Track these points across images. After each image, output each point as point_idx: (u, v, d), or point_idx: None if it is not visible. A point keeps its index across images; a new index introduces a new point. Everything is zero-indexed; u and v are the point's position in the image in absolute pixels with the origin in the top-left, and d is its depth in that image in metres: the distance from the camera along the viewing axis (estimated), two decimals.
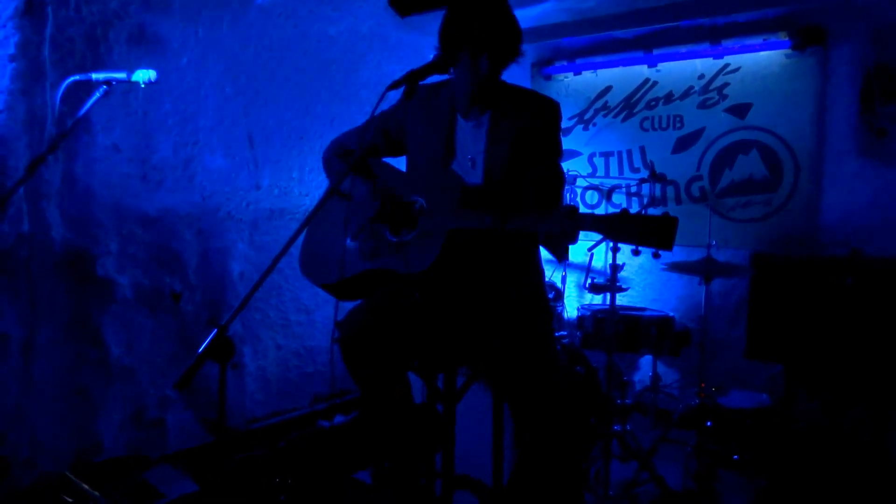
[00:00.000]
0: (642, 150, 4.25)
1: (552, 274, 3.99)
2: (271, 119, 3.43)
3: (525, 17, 4.12)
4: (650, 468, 2.97)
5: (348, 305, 2.10)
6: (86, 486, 2.39)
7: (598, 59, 4.38)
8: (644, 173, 4.09)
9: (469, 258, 2.00)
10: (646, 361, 4.07)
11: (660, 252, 2.74)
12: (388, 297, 2.06)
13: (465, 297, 2.08)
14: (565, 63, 4.51)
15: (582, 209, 2.08)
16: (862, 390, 3.01)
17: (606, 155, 4.40)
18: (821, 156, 3.70)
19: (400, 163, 2.25)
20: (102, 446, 2.80)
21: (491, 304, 2.05)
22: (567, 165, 4.29)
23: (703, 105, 4.03)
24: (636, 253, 2.45)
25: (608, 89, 4.36)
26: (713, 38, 3.95)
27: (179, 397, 3.05)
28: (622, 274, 3.45)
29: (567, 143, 4.47)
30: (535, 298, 2.10)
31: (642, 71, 4.22)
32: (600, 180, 4.34)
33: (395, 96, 1.92)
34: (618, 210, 1.75)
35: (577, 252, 4.27)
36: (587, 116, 4.45)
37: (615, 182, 4.23)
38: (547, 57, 4.59)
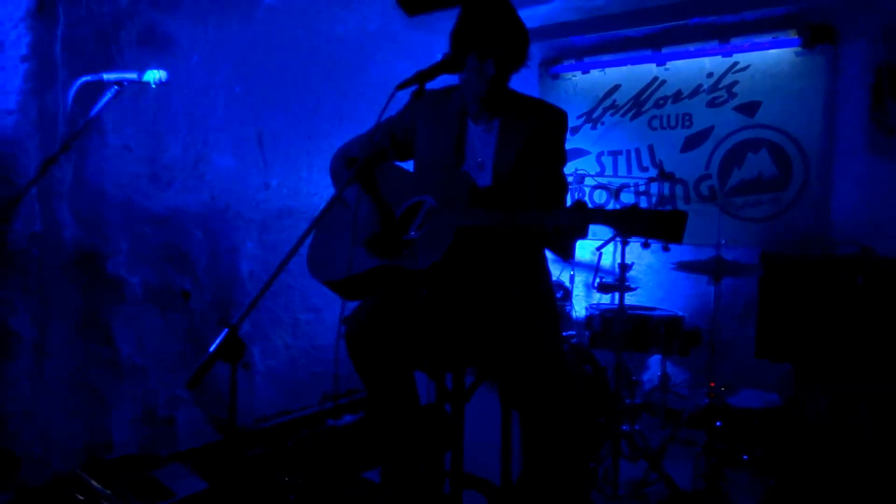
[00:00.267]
0: (651, 149, 4.24)
1: (560, 273, 3.98)
2: (280, 118, 3.44)
3: (533, 15, 4.13)
4: (659, 468, 2.96)
5: (355, 305, 2.11)
6: (97, 484, 2.41)
7: (606, 57, 4.36)
8: (652, 172, 4.07)
9: (477, 257, 2.01)
10: (655, 361, 4.06)
11: (669, 245, 2.73)
12: (394, 294, 2.08)
13: (472, 295, 2.09)
14: (573, 62, 4.50)
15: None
16: (872, 390, 2.99)
17: (615, 154, 4.39)
18: (831, 154, 3.68)
19: (408, 166, 2.27)
20: (113, 444, 2.82)
21: (498, 302, 2.05)
22: (575, 164, 4.29)
23: (711, 103, 4.02)
24: (646, 245, 2.44)
25: (616, 88, 4.35)
26: (722, 36, 3.93)
27: (189, 396, 3.06)
28: (631, 273, 3.44)
29: (575, 142, 4.46)
30: (542, 298, 2.11)
31: (651, 69, 4.21)
32: (608, 179, 4.33)
33: (403, 96, 1.93)
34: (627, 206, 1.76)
35: (585, 251, 4.27)
36: (595, 115, 4.44)
37: (623, 181, 4.22)
38: (555, 56, 4.58)
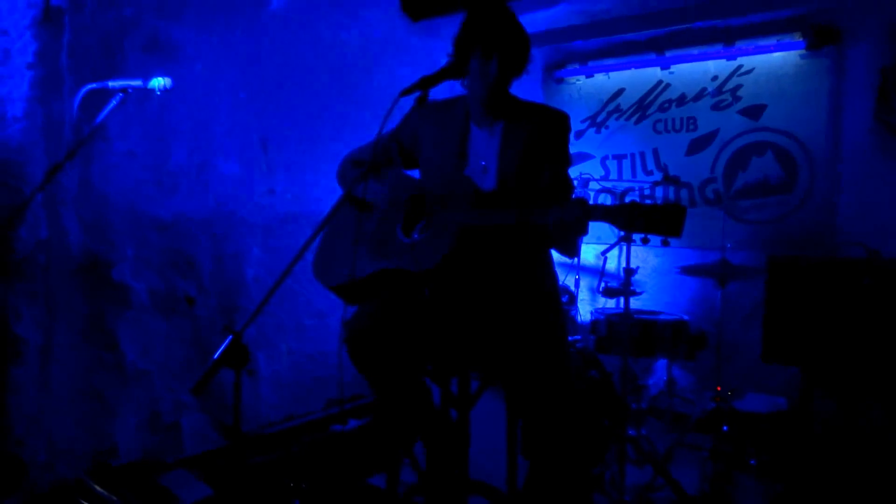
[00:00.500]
0: (655, 153, 4.24)
1: (565, 278, 3.97)
2: (285, 124, 3.45)
3: (537, 20, 4.14)
4: (665, 473, 2.95)
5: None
6: (103, 491, 2.41)
7: (611, 61, 4.36)
8: (657, 176, 4.07)
9: (480, 258, 2.02)
10: (661, 365, 4.04)
11: (669, 240, 2.73)
12: (395, 295, 2.09)
13: (475, 297, 2.09)
14: (577, 66, 4.50)
15: None
16: (881, 392, 2.97)
17: (619, 157, 4.38)
18: (837, 156, 3.66)
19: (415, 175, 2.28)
20: (118, 450, 2.82)
21: (502, 305, 2.05)
22: (580, 168, 4.28)
23: (716, 107, 4.01)
24: (645, 241, 2.45)
25: (621, 92, 4.35)
26: (726, 39, 3.93)
27: (195, 401, 3.06)
28: (636, 277, 3.43)
29: (580, 145, 4.46)
30: (547, 301, 2.11)
31: (655, 73, 4.20)
32: (613, 183, 4.32)
33: (407, 102, 1.93)
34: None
35: (590, 256, 4.26)
36: (600, 119, 4.44)
37: (628, 185, 4.21)
38: (559, 60, 4.58)
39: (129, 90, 2.07)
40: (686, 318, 3.38)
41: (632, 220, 1.72)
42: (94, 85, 2.10)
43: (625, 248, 3.14)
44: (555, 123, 2.11)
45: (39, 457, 2.58)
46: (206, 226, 3.13)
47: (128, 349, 2.85)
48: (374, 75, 3.83)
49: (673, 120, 4.16)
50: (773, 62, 3.82)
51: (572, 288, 3.86)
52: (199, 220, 3.10)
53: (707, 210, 4.01)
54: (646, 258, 4.22)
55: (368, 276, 2.10)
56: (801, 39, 3.69)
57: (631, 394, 3.24)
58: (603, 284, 3.53)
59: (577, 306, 3.80)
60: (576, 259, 3.91)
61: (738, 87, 3.92)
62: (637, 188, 4.17)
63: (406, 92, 1.87)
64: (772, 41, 3.79)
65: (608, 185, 4.32)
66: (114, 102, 2.06)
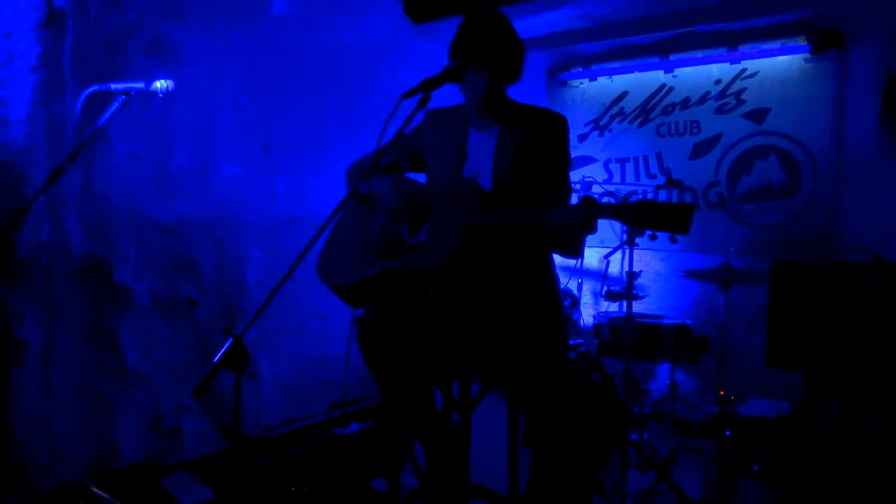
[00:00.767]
0: (659, 157, 4.22)
1: (568, 281, 3.96)
2: (287, 126, 3.45)
3: (541, 23, 4.13)
4: (668, 477, 2.93)
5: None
6: (103, 493, 2.40)
7: (614, 64, 4.36)
8: (660, 179, 4.05)
9: (484, 258, 2.03)
10: (663, 370, 4.03)
11: (677, 237, 2.72)
12: (404, 294, 2.10)
13: (477, 298, 2.10)
14: (581, 69, 4.49)
15: None
16: (885, 398, 2.95)
17: (622, 161, 4.37)
18: (840, 160, 3.65)
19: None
20: (120, 453, 2.82)
21: (503, 306, 2.06)
22: (582, 172, 4.27)
23: (720, 110, 4.00)
24: (653, 238, 2.46)
25: (624, 95, 4.34)
26: (730, 42, 3.92)
27: (196, 404, 3.06)
28: (639, 281, 3.42)
29: (582, 149, 4.45)
30: (547, 302, 2.11)
31: (658, 76, 4.19)
32: (616, 187, 4.31)
33: (410, 104, 1.93)
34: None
35: (593, 259, 4.25)
36: (603, 122, 4.43)
37: (631, 188, 4.20)
38: (562, 63, 4.58)
39: (132, 93, 2.07)
40: (689, 322, 3.36)
41: (640, 217, 1.72)
42: (96, 87, 2.10)
43: (628, 251, 3.13)
44: (552, 126, 2.12)
45: (40, 459, 2.58)
46: (208, 228, 3.13)
47: (129, 351, 2.85)
48: (377, 78, 3.83)
49: (676, 123, 4.15)
50: (777, 66, 3.80)
51: (575, 291, 3.85)
52: (201, 223, 3.10)
53: (710, 214, 4.00)
54: (649, 262, 4.21)
55: (372, 276, 2.10)
56: (805, 43, 3.68)
57: (633, 398, 3.22)
58: (606, 288, 3.51)
59: (579, 310, 3.79)
60: (579, 262, 3.90)
61: (742, 90, 3.91)
62: (640, 192, 4.16)
63: (408, 94, 1.87)
64: (776, 45, 3.78)
65: (611, 188, 4.31)
66: (116, 105, 2.06)
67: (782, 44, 3.76)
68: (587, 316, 4.01)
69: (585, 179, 4.01)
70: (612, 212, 1.78)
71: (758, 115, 3.88)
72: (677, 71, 4.13)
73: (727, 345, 3.37)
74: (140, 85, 2.06)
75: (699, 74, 4.05)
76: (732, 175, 3.96)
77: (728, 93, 3.96)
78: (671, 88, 4.16)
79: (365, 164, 2.34)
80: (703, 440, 3.36)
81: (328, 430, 3.35)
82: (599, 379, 3.16)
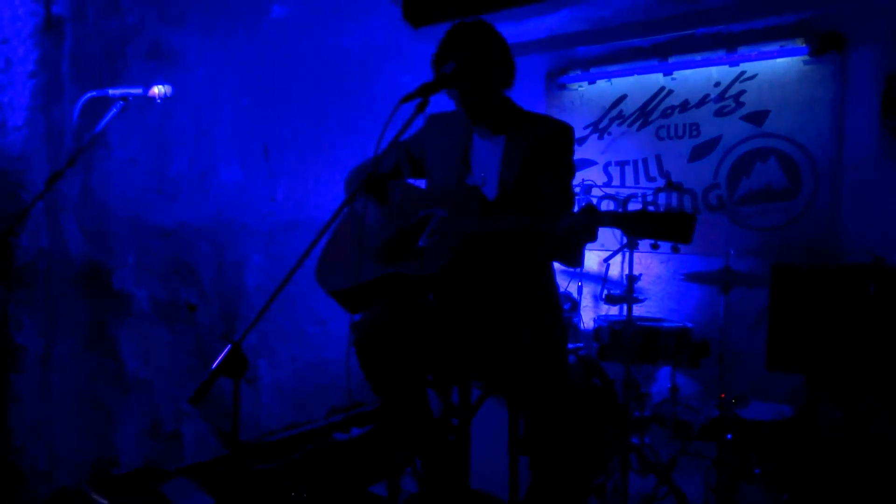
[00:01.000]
0: (658, 159, 4.22)
1: (568, 285, 3.96)
2: (286, 131, 3.45)
3: (539, 27, 4.13)
4: (669, 481, 2.92)
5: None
6: (102, 499, 2.39)
7: (613, 67, 4.35)
8: (660, 182, 4.05)
9: (483, 266, 2.02)
10: (664, 373, 4.02)
11: (679, 246, 2.72)
12: (402, 299, 2.09)
13: (477, 305, 2.09)
14: (580, 72, 4.49)
15: None
16: (887, 401, 2.94)
17: (622, 164, 4.37)
18: (841, 163, 3.64)
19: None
20: (119, 458, 2.81)
21: (502, 311, 2.05)
22: (582, 175, 4.27)
23: (719, 113, 3.99)
24: (655, 247, 2.46)
25: (623, 98, 4.34)
26: (729, 45, 3.92)
27: (195, 410, 3.05)
28: (639, 284, 3.41)
29: (582, 152, 4.45)
30: (547, 310, 2.11)
31: (657, 79, 4.19)
32: (616, 189, 4.31)
33: (408, 108, 1.93)
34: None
35: (593, 263, 4.24)
36: (602, 125, 4.43)
37: (631, 191, 4.19)
38: (561, 66, 4.58)
39: (130, 98, 2.07)
40: (689, 325, 3.36)
41: (641, 226, 1.72)
42: (94, 93, 2.10)
43: (628, 254, 3.12)
44: (557, 135, 2.11)
45: (39, 465, 2.57)
46: (208, 233, 3.13)
47: (129, 357, 2.84)
48: (376, 82, 3.83)
49: (675, 126, 4.15)
50: (776, 68, 3.80)
51: (575, 295, 3.84)
52: (201, 228, 3.10)
53: (710, 217, 3.99)
54: (649, 265, 4.20)
55: (373, 280, 2.09)
56: (804, 45, 3.68)
57: (634, 401, 3.21)
58: (606, 291, 3.51)
59: (579, 313, 3.78)
60: (581, 266, 3.89)
61: (741, 92, 3.91)
62: (640, 195, 4.15)
63: (406, 99, 1.87)
64: (775, 47, 3.78)
65: (611, 191, 4.30)
66: (114, 110, 2.06)
67: (781, 46, 3.76)
68: (587, 319, 4.00)
69: (585, 182, 4.00)
70: (614, 220, 1.76)
71: (757, 117, 3.87)
72: (676, 73, 4.12)
73: (728, 348, 3.36)
74: (138, 90, 2.06)
75: (698, 77, 4.05)
76: (732, 177, 3.96)
77: (727, 95, 3.95)
78: (670, 91, 4.15)
79: (364, 170, 2.33)
80: (704, 444, 3.35)
81: (328, 435, 3.34)
82: (600, 383, 3.15)
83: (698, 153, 4.07)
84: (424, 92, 1.88)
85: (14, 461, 2.50)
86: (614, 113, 4.37)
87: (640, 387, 3.33)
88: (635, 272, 3.12)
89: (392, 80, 3.89)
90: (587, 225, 1.76)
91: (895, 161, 3.48)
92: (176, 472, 2.76)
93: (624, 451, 2.91)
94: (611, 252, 3.60)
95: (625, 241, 3.15)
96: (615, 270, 3.99)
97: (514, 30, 4.02)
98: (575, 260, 2.06)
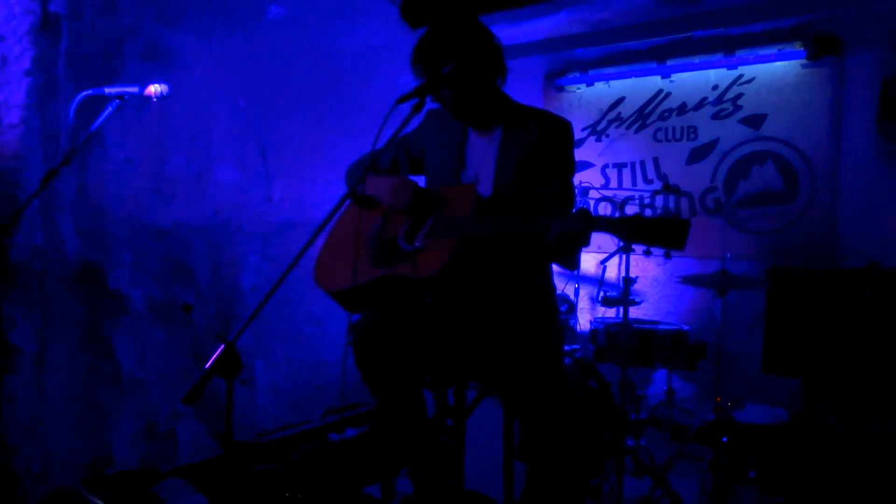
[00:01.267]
0: (656, 162, 4.22)
1: (565, 287, 3.95)
2: (283, 131, 3.44)
3: (538, 29, 4.14)
4: (665, 484, 2.92)
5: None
6: (97, 500, 2.38)
7: (611, 70, 4.36)
8: (658, 185, 4.06)
9: (479, 268, 2.01)
10: (660, 375, 4.02)
11: (672, 252, 2.72)
12: (399, 302, 2.08)
13: (474, 305, 2.08)
14: (578, 74, 4.49)
15: None
16: (882, 404, 2.94)
17: (619, 166, 4.37)
18: (838, 166, 3.65)
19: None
20: (114, 459, 2.80)
21: (499, 313, 2.04)
22: (580, 177, 4.27)
23: (717, 116, 4.00)
24: (647, 253, 2.47)
25: (621, 100, 4.34)
26: (727, 48, 3.92)
27: (191, 410, 3.05)
28: (636, 287, 3.41)
29: (580, 154, 4.44)
30: (544, 312, 2.10)
31: (655, 82, 4.19)
32: (613, 192, 4.31)
33: (405, 109, 1.92)
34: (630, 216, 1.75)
35: (590, 265, 4.24)
36: (600, 128, 4.43)
37: (628, 194, 4.20)
38: (559, 68, 4.58)
39: (126, 97, 2.06)
40: (686, 327, 3.36)
41: (635, 232, 1.70)
42: (90, 92, 2.10)
43: (624, 257, 3.12)
44: (557, 131, 2.06)
45: (33, 466, 2.56)
46: (204, 233, 3.12)
47: (124, 357, 2.83)
48: (373, 83, 3.83)
49: (673, 129, 4.15)
50: (773, 71, 3.81)
51: (572, 297, 3.84)
52: (197, 228, 3.09)
53: (707, 219, 3.99)
54: (646, 268, 4.20)
55: (369, 282, 2.08)
56: (801, 49, 3.68)
57: (630, 404, 3.21)
58: (602, 294, 3.51)
59: (576, 315, 3.78)
60: (577, 269, 3.89)
61: (739, 96, 3.91)
62: (637, 197, 4.16)
63: (403, 99, 1.85)
64: (772, 50, 3.78)
65: (608, 193, 4.30)
66: (110, 109, 2.05)
67: (779, 49, 3.76)
68: (584, 321, 4.00)
69: (582, 185, 4.01)
70: (608, 226, 1.74)
71: (755, 120, 3.88)
72: (674, 76, 4.13)
73: (724, 351, 3.36)
74: (134, 89, 2.05)
75: (696, 80, 4.06)
76: (729, 180, 3.96)
77: (725, 98, 3.96)
78: (668, 94, 4.16)
79: (364, 165, 2.31)
80: (700, 446, 3.35)
81: (323, 436, 3.34)
82: (596, 385, 3.15)
83: (696, 156, 4.07)
84: (421, 92, 1.87)
85: (8, 462, 2.49)
86: (612, 115, 4.38)
87: (636, 389, 3.33)
88: (632, 275, 3.11)
89: (390, 81, 3.89)
90: (580, 230, 1.74)
91: (892, 165, 3.48)
92: (170, 473, 2.75)
93: (620, 454, 2.90)
94: (607, 254, 3.60)
95: (621, 243, 3.15)
96: (612, 273, 3.99)
97: (512, 31, 4.02)
98: (570, 263, 2.04)
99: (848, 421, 3.02)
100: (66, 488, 2.51)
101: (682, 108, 4.11)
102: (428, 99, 1.91)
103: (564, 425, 1.95)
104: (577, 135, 4.47)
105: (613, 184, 4.37)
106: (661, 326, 3.40)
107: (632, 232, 1.71)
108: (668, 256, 2.81)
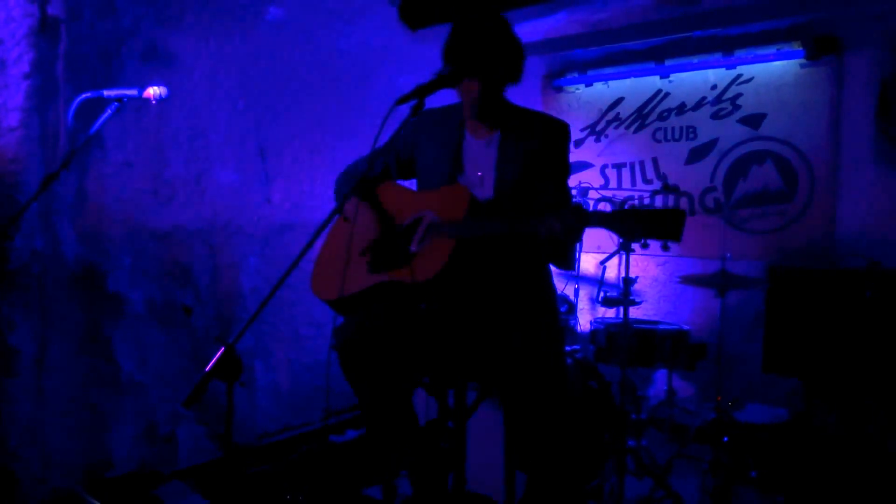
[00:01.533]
0: (655, 162, 4.22)
1: (565, 287, 3.95)
2: (283, 133, 3.44)
3: (536, 29, 4.14)
4: (665, 484, 2.92)
5: None
6: (96, 502, 2.38)
7: (610, 70, 4.36)
8: (657, 185, 4.06)
9: (476, 270, 2.00)
10: (661, 376, 4.02)
11: (669, 244, 2.72)
12: (388, 305, 2.07)
13: (472, 307, 2.07)
14: (577, 75, 4.50)
15: None
16: (882, 404, 2.95)
17: (619, 166, 4.37)
18: (837, 166, 3.65)
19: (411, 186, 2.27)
20: (113, 462, 2.79)
21: (498, 315, 2.04)
22: (579, 177, 4.27)
23: (716, 115, 4.00)
24: (644, 246, 2.47)
25: (620, 101, 4.34)
26: (726, 48, 3.93)
27: (190, 412, 3.04)
28: (636, 287, 3.41)
29: (579, 154, 4.45)
30: (543, 313, 2.09)
31: (654, 82, 4.20)
32: (613, 192, 4.31)
33: (404, 110, 1.92)
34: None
35: (590, 265, 4.24)
36: (599, 128, 4.43)
37: (628, 194, 4.20)
38: (558, 69, 4.58)
39: (125, 99, 2.06)
40: (686, 328, 3.36)
41: (630, 225, 1.70)
42: (88, 94, 2.09)
43: (624, 257, 3.12)
44: (554, 133, 2.08)
45: (32, 468, 2.55)
46: (203, 235, 3.12)
47: (124, 360, 2.83)
48: (373, 84, 3.83)
49: (672, 129, 4.15)
50: (772, 71, 3.81)
51: (572, 297, 3.84)
52: (196, 230, 3.09)
53: (707, 219, 4.00)
54: (646, 268, 4.21)
55: (367, 289, 2.08)
56: (800, 48, 3.68)
57: (630, 404, 3.21)
58: (602, 294, 3.51)
59: (576, 316, 3.78)
60: (575, 269, 3.89)
61: (738, 95, 3.92)
62: (636, 197, 4.16)
63: (401, 100, 1.85)
64: (771, 50, 3.79)
65: (608, 194, 4.30)
66: (109, 112, 2.05)
67: (777, 49, 3.77)
68: (584, 322, 4.00)
69: (582, 185, 4.01)
70: (602, 220, 1.74)
71: (754, 120, 3.88)
72: (673, 76, 4.13)
73: (724, 351, 3.37)
74: (133, 91, 2.04)
75: (695, 80, 4.06)
76: (729, 180, 3.96)
77: (724, 98, 3.96)
78: (667, 94, 4.16)
79: (355, 172, 2.29)
80: (700, 446, 3.35)
81: (324, 438, 3.34)
82: (596, 385, 3.15)
83: (695, 156, 4.07)
84: (420, 93, 1.86)
85: (7, 464, 2.48)
86: (611, 115, 4.38)
87: (636, 389, 3.33)
88: (632, 275, 3.11)
89: (389, 82, 3.89)
90: (572, 226, 1.74)
91: (891, 164, 3.48)
92: (170, 475, 2.75)
93: (620, 454, 2.90)
94: (607, 254, 3.60)
95: (622, 242, 3.15)
96: (612, 273, 3.99)
97: None
98: (566, 262, 2.04)
99: (847, 421, 3.02)
100: (65, 491, 2.51)
101: (681, 108, 4.11)
102: (427, 100, 1.91)
103: (565, 425, 1.95)
104: (576, 135, 4.47)
105: (613, 184, 4.37)
106: (661, 326, 3.40)
107: (627, 225, 1.70)
108: (665, 249, 2.81)
